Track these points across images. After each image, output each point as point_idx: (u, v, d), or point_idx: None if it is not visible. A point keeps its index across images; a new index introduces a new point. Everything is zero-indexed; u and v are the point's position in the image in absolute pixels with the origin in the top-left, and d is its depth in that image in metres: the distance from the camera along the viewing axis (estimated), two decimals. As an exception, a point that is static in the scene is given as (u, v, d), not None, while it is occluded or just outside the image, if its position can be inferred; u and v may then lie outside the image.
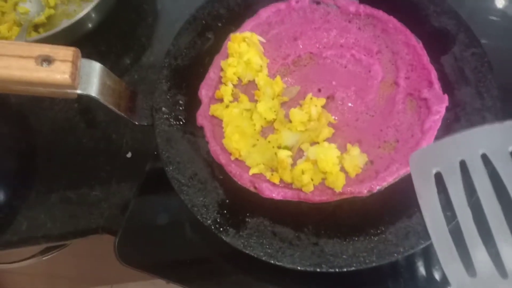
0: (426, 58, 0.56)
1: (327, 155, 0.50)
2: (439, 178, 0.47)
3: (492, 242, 0.43)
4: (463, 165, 0.46)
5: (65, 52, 0.46)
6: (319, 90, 0.58)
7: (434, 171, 0.47)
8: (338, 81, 0.58)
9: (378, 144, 0.54)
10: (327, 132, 0.53)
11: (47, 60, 0.45)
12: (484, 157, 0.45)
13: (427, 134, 0.52)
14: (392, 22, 0.59)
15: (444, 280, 0.54)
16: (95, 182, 0.69)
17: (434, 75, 0.55)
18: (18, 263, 0.84)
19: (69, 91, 0.47)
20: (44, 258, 0.82)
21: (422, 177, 0.47)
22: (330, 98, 0.57)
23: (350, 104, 0.57)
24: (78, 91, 0.48)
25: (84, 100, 0.76)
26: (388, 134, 0.54)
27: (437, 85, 0.54)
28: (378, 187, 0.50)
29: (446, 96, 0.53)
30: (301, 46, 0.60)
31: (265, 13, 0.61)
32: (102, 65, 0.50)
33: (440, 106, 0.53)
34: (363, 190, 0.50)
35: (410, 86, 0.56)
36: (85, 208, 0.67)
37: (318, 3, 0.62)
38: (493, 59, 0.67)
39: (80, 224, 0.66)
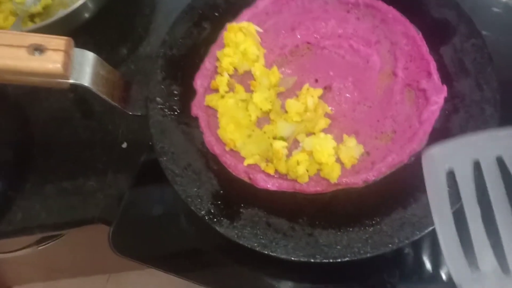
0: (425, 49, 0.56)
1: (323, 146, 0.50)
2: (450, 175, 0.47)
3: (498, 240, 0.43)
4: (476, 165, 0.46)
5: (58, 42, 0.46)
6: (316, 81, 0.57)
7: (447, 168, 0.46)
8: (336, 71, 0.58)
9: (375, 135, 0.53)
10: (323, 123, 0.53)
11: (39, 49, 0.45)
12: (499, 160, 0.46)
13: (424, 124, 0.52)
14: (392, 12, 0.58)
15: (437, 271, 0.54)
16: (90, 173, 0.68)
17: (433, 66, 0.54)
18: (13, 253, 0.83)
19: (61, 80, 0.47)
20: (39, 248, 0.82)
21: (434, 173, 0.47)
22: (327, 88, 0.57)
23: (347, 95, 0.56)
24: (71, 81, 0.47)
25: (80, 91, 0.75)
26: (386, 125, 0.54)
27: (435, 76, 0.54)
28: (373, 178, 0.50)
29: (444, 87, 0.53)
30: (298, 36, 0.59)
31: (262, 3, 0.61)
32: (95, 55, 0.50)
33: (439, 97, 0.52)
34: (359, 181, 0.50)
35: (408, 77, 0.55)
36: (81, 198, 0.67)
37: None
38: (495, 51, 0.66)
39: (76, 215, 0.66)
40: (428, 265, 0.55)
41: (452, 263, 0.43)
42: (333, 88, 0.57)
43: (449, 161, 0.47)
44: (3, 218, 0.67)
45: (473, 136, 0.48)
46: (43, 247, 0.82)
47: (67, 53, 0.46)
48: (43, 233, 0.70)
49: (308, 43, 0.59)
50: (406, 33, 0.57)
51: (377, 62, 0.57)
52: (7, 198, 0.68)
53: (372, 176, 0.50)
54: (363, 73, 0.57)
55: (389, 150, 0.52)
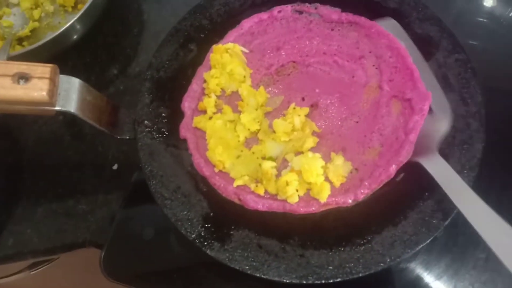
0: (409, 60, 0.56)
1: (311, 166, 0.50)
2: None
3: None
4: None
5: (43, 69, 0.46)
6: (303, 99, 0.57)
7: None
8: (322, 88, 0.58)
9: (362, 151, 0.53)
10: (311, 141, 0.53)
11: (24, 77, 0.45)
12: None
13: (411, 134, 0.51)
14: (375, 27, 0.59)
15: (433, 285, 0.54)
16: (81, 195, 0.68)
17: (417, 74, 0.54)
18: (5, 279, 0.83)
19: (47, 108, 0.47)
20: (32, 273, 0.81)
21: None
22: (314, 106, 0.57)
23: (334, 111, 0.56)
24: (57, 108, 0.47)
25: (69, 114, 0.76)
26: (373, 140, 0.53)
27: (420, 84, 0.54)
28: (362, 197, 0.50)
29: (429, 94, 0.52)
30: (284, 55, 0.60)
31: (247, 24, 0.61)
32: (81, 81, 0.50)
33: (424, 104, 0.52)
34: (348, 200, 0.50)
35: (394, 88, 0.55)
36: (72, 222, 0.66)
37: (300, 12, 0.62)
38: (482, 59, 0.67)
39: (67, 238, 0.66)
40: (422, 282, 0.55)
41: None
42: (319, 105, 0.57)
43: None
44: (-6, 244, 0.66)
45: None
46: (35, 271, 0.82)
47: (53, 81, 0.46)
48: (35, 258, 0.69)
49: (294, 61, 0.60)
50: (390, 45, 0.57)
51: (362, 77, 0.57)
52: (-3, 224, 0.67)
53: (361, 194, 0.50)
54: (349, 88, 0.57)
55: (376, 165, 0.52)
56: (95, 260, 0.62)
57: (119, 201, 0.65)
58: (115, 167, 0.69)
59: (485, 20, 0.74)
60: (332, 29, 0.61)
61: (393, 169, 0.50)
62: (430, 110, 0.52)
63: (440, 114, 0.52)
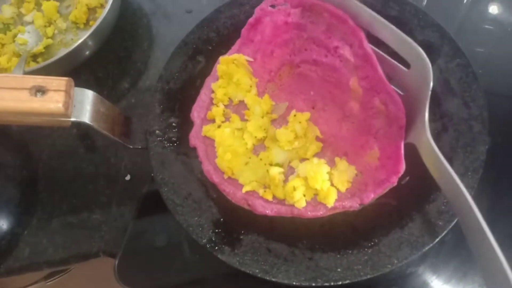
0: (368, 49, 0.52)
1: (317, 172, 0.50)
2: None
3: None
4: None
5: (58, 82, 0.48)
6: (304, 102, 0.58)
7: None
8: (315, 89, 0.57)
9: (363, 153, 0.53)
10: (315, 147, 0.54)
11: (41, 90, 0.47)
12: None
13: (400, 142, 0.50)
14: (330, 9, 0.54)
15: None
16: (95, 206, 0.70)
17: (375, 63, 0.52)
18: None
19: (63, 119, 0.49)
20: (48, 284, 0.82)
21: None
22: (314, 108, 0.57)
23: (330, 113, 0.56)
24: (72, 119, 0.49)
25: (83, 126, 0.77)
26: (370, 142, 0.53)
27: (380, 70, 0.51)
28: (369, 200, 0.51)
29: (397, 97, 0.50)
30: (276, 59, 0.59)
31: (245, 32, 0.61)
32: (95, 93, 0.52)
33: (397, 109, 0.50)
34: (355, 204, 0.51)
35: (370, 87, 0.53)
36: (86, 232, 0.68)
37: (273, 6, 0.59)
38: (489, 66, 0.68)
39: (82, 248, 0.67)
40: (431, 284, 0.55)
41: None
42: (316, 107, 0.57)
43: None
44: (10, 254, 0.68)
45: None
46: (51, 282, 0.83)
47: (68, 93, 0.48)
48: (50, 268, 0.70)
49: (285, 64, 0.59)
50: (352, 31, 0.53)
51: (344, 73, 0.54)
52: (13, 235, 0.69)
53: (366, 198, 0.50)
54: (337, 87, 0.56)
55: (378, 169, 0.51)
56: (109, 270, 0.64)
57: (132, 211, 0.66)
58: (127, 178, 0.71)
59: (490, 27, 0.75)
60: (302, 17, 0.57)
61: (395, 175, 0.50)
62: (407, 64, 0.49)
63: (417, 66, 0.48)
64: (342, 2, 0.52)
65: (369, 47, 0.52)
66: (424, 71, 0.46)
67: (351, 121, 0.55)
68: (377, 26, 0.50)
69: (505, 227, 0.58)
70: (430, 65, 0.45)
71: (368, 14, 0.50)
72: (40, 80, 0.47)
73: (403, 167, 0.49)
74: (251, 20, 0.59)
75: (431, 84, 0.46)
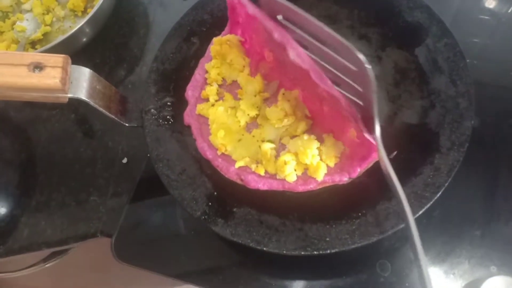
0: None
1: (306, 148, 0.52)
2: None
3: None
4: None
5: (55, 59, 0.49)
6: (292, 82, 0.57)
7: None
8: (293, 73, 0.56)
9: (345, 131, 0.53)
10: (304, 125, 0.55)
11: (39, 67, 0.48)
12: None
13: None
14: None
15: (429, 265, 0.56)
16: (93, 188, 0.71)
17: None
18: (21, 272, 0.86)
19: (60, 95, 0.50)
20: (47, 265, 0.84)
21: None
22: (301, 87, 0.56)
23: (310, 94, 0.55)
24: (69, 95, 0.50)
25: (81, 111, 0.80)
26: (345, 122, 0.52)
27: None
28: (356, 174, 0.52)
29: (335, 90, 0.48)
30: (257, 42, 0.60)
31: (230, 14, 0.61)
32: (91, 71, 0.53)
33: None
34: (343, 178, 0.52)
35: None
36: (84, 213, 0.69)
37: None
38: (484, 56, 0.69)
39: (79, 229, 0.68)
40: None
41: None
42: (301, 88, 0.56)
43: None
44: (10, 235, 0.70)
45: None
46: (50, 264, 0.85)
47: (65, 69, 0.49)
48: (49, 248, 0.72)
49: (265, 46, 0.58)
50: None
51: (306, 58, 0.49)
52: (13, 216, 0.71)
53: (354, 172, 0.52)
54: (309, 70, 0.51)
55: (359, 145, 0.52)
56: (107, 252, 0.65)
57: (129, 193, 0.68)
58: (124, 161, 0.72)
59: (486, 17, 0.76)
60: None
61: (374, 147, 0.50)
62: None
63: (360, 71, 0.45)
64: (286, 11, 0.49)
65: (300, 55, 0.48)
66: (366, 78, 0.44)
67: (326, 103, 0.54)
68: (322, 35, 0.47)
69: (494, 203, 0.59)
70: (371, 71, 0.43)
71: (313, 25, 0.46)
72: (38, 57, 0.49)
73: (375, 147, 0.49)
74: (228, 1, 0.59)
75: (375, 90, 0.45)
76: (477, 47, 0.72)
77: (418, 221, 0.49)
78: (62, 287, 1.23)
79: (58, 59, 0.49)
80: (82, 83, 0.52)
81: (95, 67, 0.82)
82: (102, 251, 0.74)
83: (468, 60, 0.67)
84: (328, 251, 0.48)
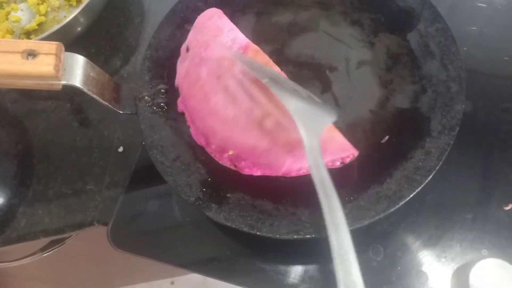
0: None
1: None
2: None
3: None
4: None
5: (49, 46, 0.49)
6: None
7: None
8: None
9: None
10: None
11: (32, 54, 0.49)
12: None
13: None
14: None
15: (420, 249, 0.57)
16: (89, 177, 0.72)
17: None
18: (19, 261, 0.86)
19: (54, 82, 0.50)
20: (44, 255, 0.85)
21: None
22: None
23: None
24: (63, 82, 0.51)
25: (76, 101, 0.80)
26: None
27: None
28: (349, 159, 0.53)
29: None
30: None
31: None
32: (85, 58, 0.54)
33: None
34: (336, 163, 0.53)
35: None
36: (80, 202, 0.70)
37: None
38: (481, 45, 0.69)
39: (76, 218, 0.69)
40: (411, 242, 0.57)
41: None
42: None
43: None
44: (7, 225, 0.70)
45: None
46: (47, 253, 0.85)
47: (58, 56, 0.49)
48: (46, 237, 0.72)
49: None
50: None
51: None
52: (10, 206, 0.71)
53: (347, 157, 0.52)
54: None
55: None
56: (104, 242, 0.66)
57: (125, 181, 0.68)
58: (120, 149, 0.73)
59: (483, 5, 0.76)
60: None
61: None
62: None
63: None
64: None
65: None
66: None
67: None
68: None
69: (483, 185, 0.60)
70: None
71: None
72: (32, 44, 0.49)
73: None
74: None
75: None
76: (473, 35, 0.73)
77: (410, 205, 0.50)
78: (60, 277, 1.24)
79: (52, 46, 0.50)
80: (76, 70, 0.52)
81: (90, 57, 0.80)
82: (99, 241, 0.75)
83: (465, 48, 0.68)
84: (321, 235, 0.48)
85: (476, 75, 0.67)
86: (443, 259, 0.56)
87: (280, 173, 0.54)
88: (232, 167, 0.55)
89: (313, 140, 0.47)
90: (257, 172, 0.54)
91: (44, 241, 0.82)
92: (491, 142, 0.62)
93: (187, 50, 0.61)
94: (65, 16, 0.84)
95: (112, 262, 0.99)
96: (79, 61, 0.53)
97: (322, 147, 0.50)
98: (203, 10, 0.64)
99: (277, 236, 0.49)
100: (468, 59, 0.68)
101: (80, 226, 0.69)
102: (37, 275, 1.19)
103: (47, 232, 0.70)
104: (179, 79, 0.60)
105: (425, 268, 0.56)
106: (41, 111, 0.79)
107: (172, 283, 1.47)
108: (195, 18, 0.64)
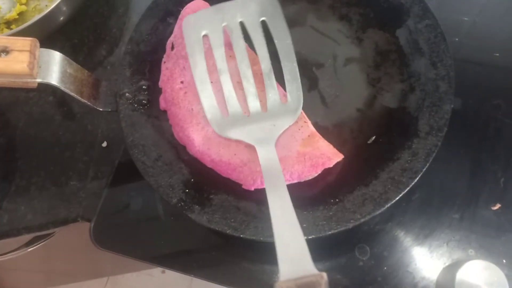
0: None
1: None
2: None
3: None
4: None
5: (23, 43, 0.47)
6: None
7: (203, 33, 0.55)
8: None
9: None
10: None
11: (5, 51, 0.46)
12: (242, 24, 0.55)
13: None
14: None
15: (407, 249, 0.56)
16: (72, 173, 0.70)
17: None
18: (4, 256, 0.85)
19: (28, 80, 0.48)
20: (29, 250, 0.84)
21: (193, 38, 0.55)
22: None
23: None
24: (38, 80, 0.49)
25: (59, 93, 0.77)
26: None
27: None
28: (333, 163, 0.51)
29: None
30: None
31: None
32: (62, 54, 0.51)
33: None
34: (319, 170, 0.51)
35: None
36: (64, 198, 0.68)
37: None
38: (473, 35, 0.68)
39: (60, 214, 0.68)
40: (397, 242, 0.57)
41: (208, 111, 0.53)
42: None
43: (204, 26, 0.55)
44: (-11, 221, 0.69)
45: (220, 5, 0.56)
46: (32, 248, 0.84)
47: (33, 53, 0.47)
48: (29, 233, 0.71)
49: None
50: None
51: None
52: (-8, 202, 0.70)
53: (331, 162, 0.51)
54: None
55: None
56: (88, 237, 0.65)
57: (109, 176, 0.67)
58: (104, 144, 0.71)
59: None
60: None
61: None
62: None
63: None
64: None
65: None
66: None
67: None
68: None
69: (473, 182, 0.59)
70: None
71: None
72: (4, 40, 0.47)
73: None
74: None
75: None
76: (465, 25, 0.71)
77: (396, 205, 0.49)
78: (51, 268, 1.24)
79: (26, 42, 0.47)
80: (52, 67, 0.50)
81: (73, 48, 0.80)
82: (85, 235, 0.74)
83: (456, 39, 0.67)
84: (305, 238, 0.47)
85: (467, 66, 0.66)
86: (430, 259, 0.56)
87: (252, 188, 0.52)
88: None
89: (268, 150, 0.49)
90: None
91: (27, 236, 0.81)
92: (480, 140, 0.61)
93: (172, 47, 0.59)
94: (46, 5, 0.81)
95: (101, 252, 0.98)
96: (55, 57, 0.50)
97: (306, 159, 0.50)
98: (186, 3, 0.62)
99: (261, 239, 0.48)
100: (459, 50, 0.67)
101: (63, 222, 0.68)
102: (27, 267, 1.19)
103: (30, 229, 0.69)
104: (163, 82, 0.58)
105: (411, 268, 0.55)
106: (23, 103, 0.77)
107: (163, 271, 1.48)
108: (178, 11, 0.61)
